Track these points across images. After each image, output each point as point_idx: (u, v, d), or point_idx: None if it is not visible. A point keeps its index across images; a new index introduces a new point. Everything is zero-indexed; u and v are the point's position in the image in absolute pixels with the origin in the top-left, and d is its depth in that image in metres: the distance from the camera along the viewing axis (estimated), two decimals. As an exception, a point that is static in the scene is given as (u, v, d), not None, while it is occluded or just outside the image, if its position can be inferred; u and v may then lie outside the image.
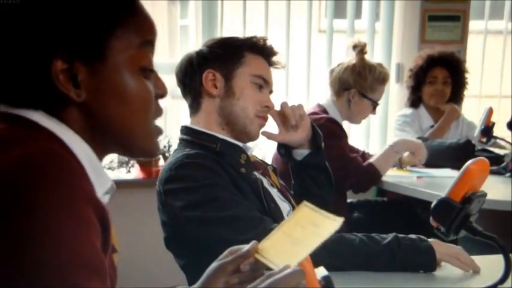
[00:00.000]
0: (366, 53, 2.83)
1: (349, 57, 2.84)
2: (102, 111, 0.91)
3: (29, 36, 0.85)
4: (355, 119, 2.90)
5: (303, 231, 0.94)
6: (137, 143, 0.97)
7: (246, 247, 1.03)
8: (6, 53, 0.86)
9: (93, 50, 0.88)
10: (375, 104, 2.83)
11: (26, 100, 0.88)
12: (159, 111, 1.00)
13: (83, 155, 0.90)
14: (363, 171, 2.69)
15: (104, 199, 0.94)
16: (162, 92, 1.00)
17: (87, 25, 0.87)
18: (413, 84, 3.47)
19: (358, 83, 2.77)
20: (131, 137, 0.95)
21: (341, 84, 2.81)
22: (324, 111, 2.80)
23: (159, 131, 1.01)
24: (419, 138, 3.19)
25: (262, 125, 1.81)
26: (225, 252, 1.08)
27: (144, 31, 0.95)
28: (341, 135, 2.74)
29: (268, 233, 1.06)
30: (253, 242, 1.03)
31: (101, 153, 0.96)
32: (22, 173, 0.75)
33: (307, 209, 0.97)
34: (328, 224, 0.92)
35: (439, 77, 3.39)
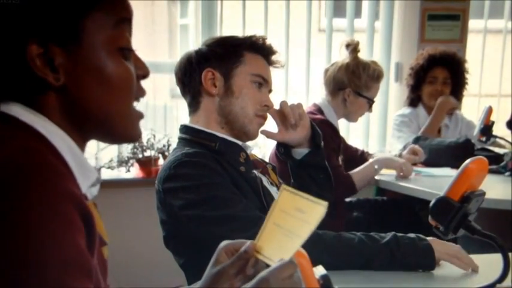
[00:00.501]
0: (359, 51, 2.83)
1: (343, 57, 2.85)
2: (81, 95, 0.90)
3: (0, 22, 0.84)
4: (351, 117, 2.90)
5: (291, 218, 0.93)
6: (118, 126, 0.95)
7: (242, 247, 1.02)
8: None
9: (67, 32, 0.87)
10: (370, 102, 2.83)
11: (2, 91, 0.87)
12: (141, 92, 0.99)
13: (65, 149, 0.88)
14: (340, 181, 2.61)
15: (92, 191, 0.94)
16: (143, 72, 0.98)
17: (59, 7, 0.86)
18: (413, 83, 3.47)
19: (353, 81, 2.78)
20: (111, 120, 0.94)
21: (336, 84, 2.81)
22: (319, 110, 2.81)
23: (139, 115, 0.99)
24: (417, 138, 3.20)
25: (262, 124, 1.81)
26: (220, 248, 1.07)
27: (118, 9, 0.93)
28: (332, 138, 2.72)
29: None
30: (249, 242, 1.01)
31: (82, 141, 0.94)
32: (2, 175, 0.75)
33: (287, 193, 0.96)
34: (314, 209, 0.90)
35: (439, 77, 3.39)
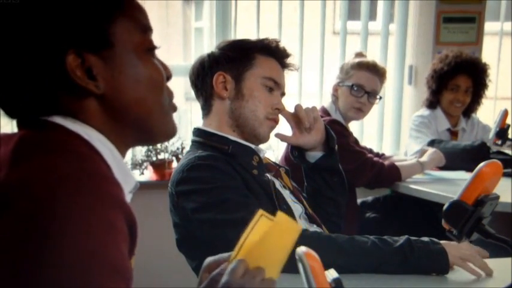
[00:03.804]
0: (364, 56, 2.85)
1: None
2: (120, 98, 0.93)
3: (36, 39, 0.86)
4: (350, 113, 2.84)
5: (271, 245, 0.95)
6: (156, 124, 0.98)
7: (214, 272, 1.02)
8: (20, 62, 0.87)
9: (99, 39, 0.89)
10: (352, 88, 2.78)
11: (46, 103, 0.89)
12: (170, 94, 1.02)
13: (109, 155, 0.92)
14: (381, 166, 2.70)
15: (128, 198, 0.95)
16: (167, 74, 1.01)
17: (88, 15, 0.88)
18: (434, 88, 3.38)
19: (339, 77, 2.83)
20: (150, 119, 0.97)
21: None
22: (326, 113, 2.81)
23: (174, 108, 1.03)
24: (432, 141, 3.18)
25: (273, 127, 1.81)
26: (203, 267, 1.10)
27: (142, 18, 0.97)
28: (346, 134, 2.74)
29: None
30: (225, 264, 1.02)
31: (123, 148, 0.97)
32: (54, 179, 0.77)
33: (265, 219, 0.96)
34: (290, 230, 0.94)
35: (462, 86, 3.30)
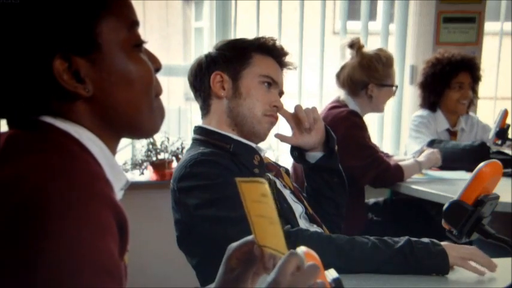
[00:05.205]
0: (363, 46, 2.82)
1: (347, 57, 2.85)
2: (110, 99, 0.92)
3: (22, 45, 0.85)
4: (379, 108, 2.91)
5: (263, 205, 0.93)
6: (145, 122, 0.98)
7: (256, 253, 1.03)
8: (8, 67, 0.86)
9: (85, 40, 0.88)
10: (395, 87, 2.85)
11: (36, 106, 0.89)
12: (159, 88, 1.01)
13: (99, 153, 0.91)
14: (388, 165, 2.71)
15: (119, 195, 0.95)
16: (156, 66, 1.01)
17: (73, 18, 0.87)
18: (436, 89, 3.35)
19: (372, 76, 2.77)
20: (139, 117, 0.96)
21: (356, 84, 2.79)
22: (344, 104, 2.80)
23: (162, 109, 1.01)
24: (432, 141, 3.17)
25: (272, 124, 1.81)
26: (229, 254, 1.07)
27: (128, 13, 0.95)
28: (363, 127, 2.74)
29: None
30: (255, 247, 1.02)
31: (113, 145, 0.97)
32: (44, 177, 0.77)
33: (245, 184, 0.97)
34: (260, 190, 0.92)
35: (466, 82, 3.29)
